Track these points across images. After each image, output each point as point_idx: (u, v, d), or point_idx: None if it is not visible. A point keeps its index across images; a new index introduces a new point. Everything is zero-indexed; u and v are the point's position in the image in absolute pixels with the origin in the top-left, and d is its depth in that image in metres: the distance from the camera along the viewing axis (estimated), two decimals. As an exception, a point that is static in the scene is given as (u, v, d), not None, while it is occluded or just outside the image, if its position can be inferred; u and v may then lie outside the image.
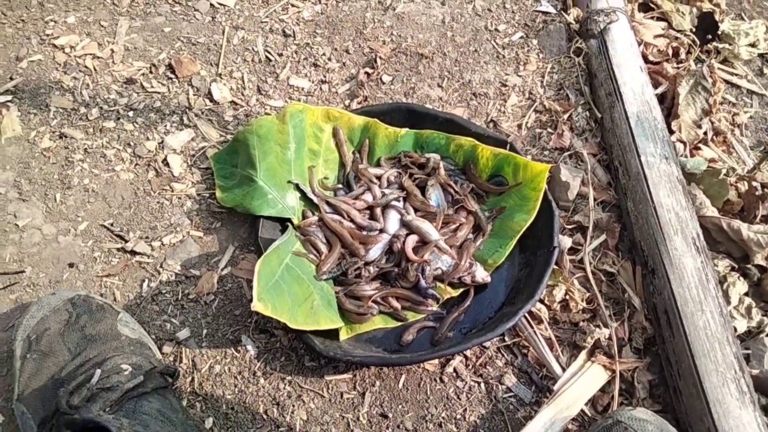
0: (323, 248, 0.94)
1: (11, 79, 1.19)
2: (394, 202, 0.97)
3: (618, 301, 0.94)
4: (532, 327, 0.92)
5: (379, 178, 1.02)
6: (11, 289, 0.97)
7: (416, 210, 0.98)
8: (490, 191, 1.00)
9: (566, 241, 1.02)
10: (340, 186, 1.02)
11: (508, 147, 1.01)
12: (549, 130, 1.10)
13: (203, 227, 1.04)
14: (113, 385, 0.71)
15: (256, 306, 0.78)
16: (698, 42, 1.18)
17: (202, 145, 1.13)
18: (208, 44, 1.26)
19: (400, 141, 1.03)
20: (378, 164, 1.04)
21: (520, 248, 0.96)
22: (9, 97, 1.15)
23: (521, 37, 1.29)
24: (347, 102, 1.19)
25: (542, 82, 1.15)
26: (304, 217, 0.96)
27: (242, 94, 1.20)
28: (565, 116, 1.10)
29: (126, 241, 1.02)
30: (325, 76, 1.23)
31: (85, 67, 1.21)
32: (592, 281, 0.94)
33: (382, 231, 0.96)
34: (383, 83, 1.22)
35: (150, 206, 1.06)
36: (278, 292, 0.83)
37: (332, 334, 0.88)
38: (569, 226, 1.06)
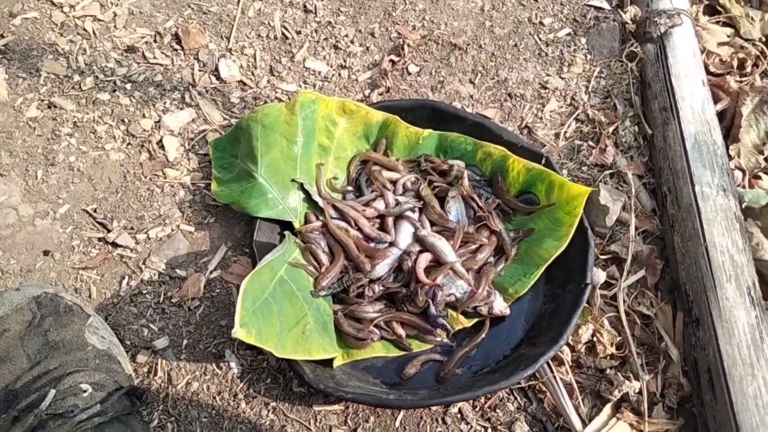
0: (324, 259, 0.83)
1: (2, 36, 1.08)
2: (408, 213, 0.86)
3: (652, 349, 0.83)
4: (551, 370, 0.81)
5: (394, 183, 0.90)
6: (-23, 275, 0.87)
7: (432, 224, 0.87)
8: (518, 209, 0.89)
9: (600, 276, 0.90)
10: (350, 188, 0.91)
11: (543, 162, 0.88)
12: (590, 143, 0.97)
13: (195, 221, 0.94)
14: (66, 410, 0.61)
15: (237, 333, 0.67)
16: (768, 54, 1.02)
17: (203, 128, 1.02)
18: (220, 14, 1.14)
19: (422, 143, 0.91)
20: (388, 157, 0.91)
21: (546, 279, 0.85)
22: (-3, 57, 1.05)
23: (568, 34, 1.15)
24: (367, 92, 1.07)
25: (587, 87, 1.02)
26: (306, 221, 0.84)
27: (252, 74, 1.09)
28: (610, 129, 0.98)
29: (108, 231, 0.92)
30: (345, 61, 1.10)
31: (84, 29, 1.10)
32: (625, 323, 0.82)
33: (392, 245, 0.85)
34: (409, 74, 1.10)
35: (139, 192, 0.96)
36: (266, 313, 0.72)
37: (326, 359, 0.77)
38: (604, 256, 0.94)
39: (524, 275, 0.85)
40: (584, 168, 1.02)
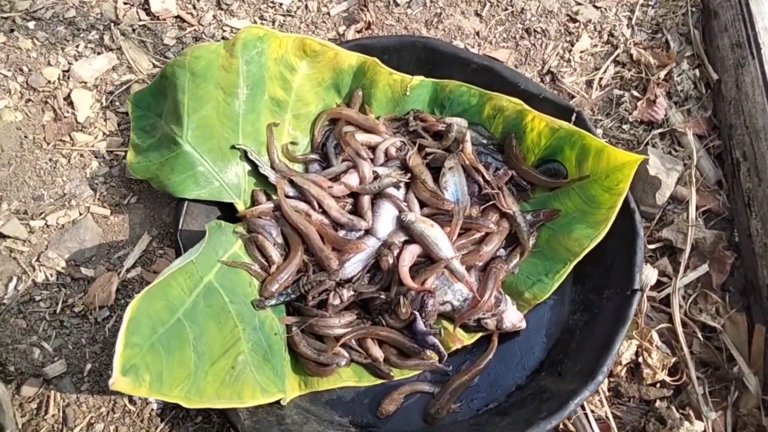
0: (275, 254, 0.62)
1: None
2: (391, 190, 0.70)
3: (719, 374, 0.67)
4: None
5: (372, 149, 0.68)
6: None
7: (423, 205, 0.70)
8: (538, 184, 0.71)
9: (650, 275, 0.66)
10: (314, 157, 0.67)
11: (573, 119, 0.70)
12: (634, 92, 0.77)
13: (111, 202, 0.72)
14: None
15: (117, 383, 0.45)
16: None
17: (126, 79, 0.79)
18: (153, -70, 0.88)
19: (411, 95, 0.74)
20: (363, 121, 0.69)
21: (575, 279, 0.63)
22: None
23: (605, -51, 0.88)
24: (341, 29, 0.83)
25: (630, 19, 0.80)
26: (253, 202, 0.64)
27: (194, 7, 0.84)
28: (661, 74, 0.78)
29: (-6, 216, 0.69)
30: (313, -11, 0.85)
31: (-24, -49, 0.85)
32: (681, 337, 0.67)
33: (368, 233, 0.70)
34: (396, 5, 0.85)
35: (38, 164, 0.73)
36: (173, 345, 0.51)
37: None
38: (652, 246, 0.72)
39: (546, 274, 0.65)
40: (625, 127, 0.79)
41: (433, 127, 0.74)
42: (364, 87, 0.74)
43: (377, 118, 0.75)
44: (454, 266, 0.64)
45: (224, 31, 0.84)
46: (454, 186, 0.69)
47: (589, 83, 0.82)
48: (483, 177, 0.70)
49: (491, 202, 0.69)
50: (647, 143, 0.77)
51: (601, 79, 0.82)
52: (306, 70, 0.73)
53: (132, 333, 0.47)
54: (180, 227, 0.65)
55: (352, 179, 0.70)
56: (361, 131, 0.73)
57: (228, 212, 0.69)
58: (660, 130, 0.77)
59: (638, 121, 0.79)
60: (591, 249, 0.65)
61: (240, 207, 0.68)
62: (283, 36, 0.70)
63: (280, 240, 0.67)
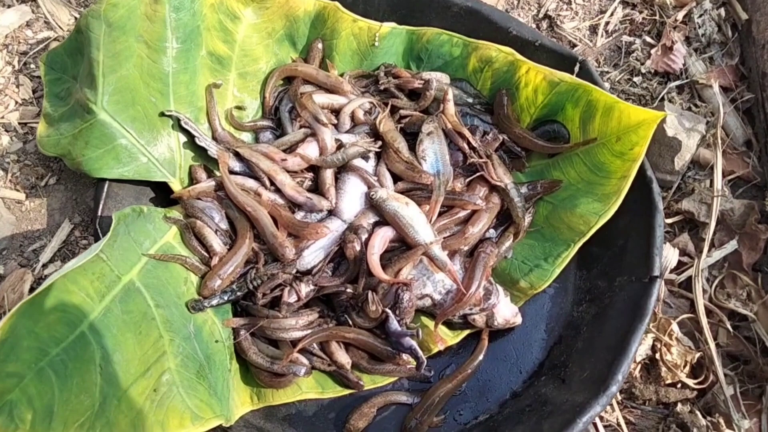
0: (217, 244, 0.52)
1: None
2: (358, 162, 0.60)
3: (751, 369, 0.58)
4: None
5: (335, 113, 0.62)
6: None
7: (397, 179, 0.61)
8: (534, 149, 0.62)
9: (670, 257, 0.56)
10: (265, 123, 0.56)
11: (576, 70, 0.60)
12: (647, 38, 0.68)
13: (25, 185, 0.61)
14: None
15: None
16: None
17: (43, 37, 0.69)
18: None
19: (380, 46, 0.65)
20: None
21: (579, 263, 0.54)
22: None
23: None
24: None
25: None
26: (191, 181, 0.57)
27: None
28: (679, 15, 0.71)
29: None
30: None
31: None
32: (706, 328, 0.58)
33: (331, 215, 0.60)
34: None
35: (-64, 141, 0.61)
36: (70, 370, 0.40)
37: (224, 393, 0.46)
38: (670, 220, 0.61)
39: (545, 259, 0.56)
40: (637, 79, 0.69)
41: (408, 84, 0.63)
42: (324, 38, 0.64)
43: (341, 75, 0.64)
44: (433, 252, 0.53)
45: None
46: (433, 155, 0.58)
47: (593, 29, 0.71)
48: (468, 143, 0.59)
49: (478, 174, 0.57)
50: (663, 98, 0.66)
51: (607, 23, 0.71)
52: (252, 18, 0.61)
53: (5, 360, 0.36)
54: (99, 213, 0.54)
55: (310, 149, 0.59)
56: (321, 91, 0.62)
57: (164, 193, 0.57)
58: (678, 83, 0.67)
59: (652, 72, 0.69)
60: (599, 227, 0.54)
61: (175, 186, 0.57)
62: (222, -25, 0.58)
63: (224, 226, 0.57)
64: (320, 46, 0.63)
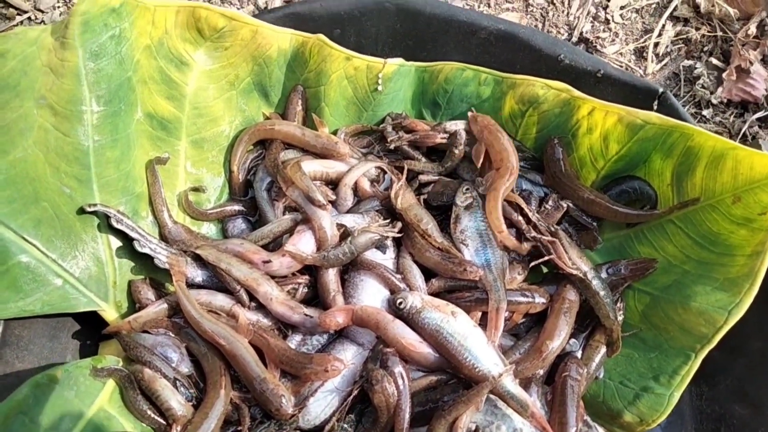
0: (176, 403, 0.36)
1: None
2: (372, 254, 0.44)
3: None
4: None
5: (332, 185, 0.48)
6: None
7: (429, 274, 0.44)
8: (609, 218, 0.47)
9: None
10: (235, 208, 0.37)
11: (655, 104, 0.45)
12: (712, 60, 0.51)
13: None
14: None
15: None
16: None
17: None
18: None
19: (384, 90, 0.49)
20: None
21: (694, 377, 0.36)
22: None
23: None
24: (262, -2, 0.54)
25: None
26: (132, 305, 0.43)
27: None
28: (752, 28, 0.57)
29: None
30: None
31: None
32: None
33: (341, 336, 0.42)
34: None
35: None
36: None
37: None
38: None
39: (654, 377, 0.43)
40: (707, 112, 0.54)
41: (426, 140, 0.46)
42: (307, 84, 0.46)
43: (333, 133, 0.47)
44: (506, 388, 0.36)
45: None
46: (478, 237, 0.42)
47: (639, 53, 0.57)
48: (524, 215, 0.41)
49: (544, 259, 0.40)
50: (745, 134, 0.51)
51: (656, 45, 0.57)
52: (206, 63, 0.45)
53: None
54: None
55: (303, 243, 0.42)
56: (309, 157, 0.45)
57: (93, 327, 0.39)
58: (762, 113, 0.51)
59: (725, 102, 0.53)
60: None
61: (109, 316, 0.38)
62: (158, 5, 0.40)
63: (185, 369, 0.39)
64: (302, 95, 0.46)
